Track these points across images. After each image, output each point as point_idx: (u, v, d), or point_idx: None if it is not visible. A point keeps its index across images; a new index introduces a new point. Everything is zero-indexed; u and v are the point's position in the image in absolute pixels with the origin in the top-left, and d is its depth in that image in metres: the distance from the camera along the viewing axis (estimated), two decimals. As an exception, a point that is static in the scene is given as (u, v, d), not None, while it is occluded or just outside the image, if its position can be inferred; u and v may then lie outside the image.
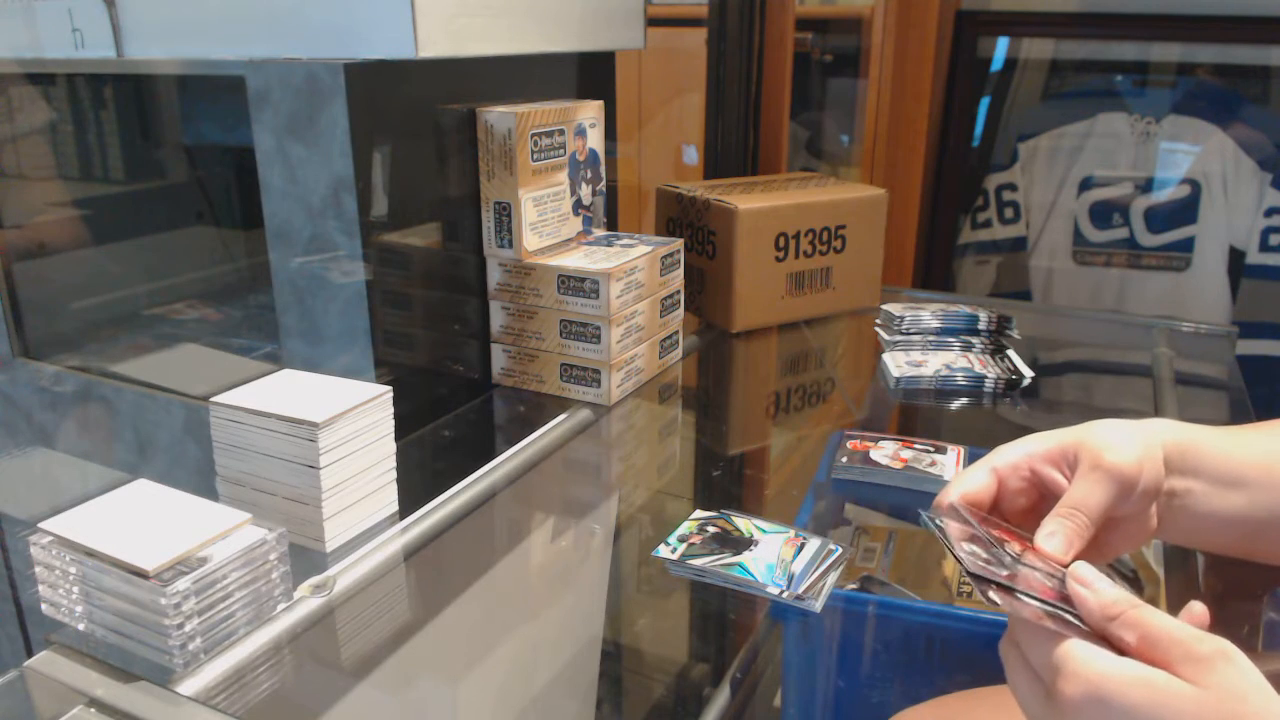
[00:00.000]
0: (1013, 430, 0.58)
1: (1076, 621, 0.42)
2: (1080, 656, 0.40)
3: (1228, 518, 0.57)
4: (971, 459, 0.85)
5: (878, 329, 1.16)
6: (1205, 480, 0.57)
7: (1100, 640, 0.41)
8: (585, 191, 1.06)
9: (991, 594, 0.43)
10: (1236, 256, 1.71)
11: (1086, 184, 1.79)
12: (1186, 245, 1.73)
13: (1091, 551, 0.52)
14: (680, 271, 1.08)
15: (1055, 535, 0.49)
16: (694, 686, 0.79)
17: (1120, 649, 0.41)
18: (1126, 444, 0.53)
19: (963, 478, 0.54)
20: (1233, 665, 0.38)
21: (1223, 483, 0.57)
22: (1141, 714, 0.38)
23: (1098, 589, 0.42)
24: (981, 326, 1.12)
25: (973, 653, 0.64)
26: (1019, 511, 0.55)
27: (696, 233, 1.21)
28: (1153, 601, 0.76)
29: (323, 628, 0.65)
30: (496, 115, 0.95)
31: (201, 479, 0.74)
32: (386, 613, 0.70)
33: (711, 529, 0.73)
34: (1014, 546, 0.49)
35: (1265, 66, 1.67)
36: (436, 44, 0.84)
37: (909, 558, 0.84)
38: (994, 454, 0.55)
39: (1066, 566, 0.47)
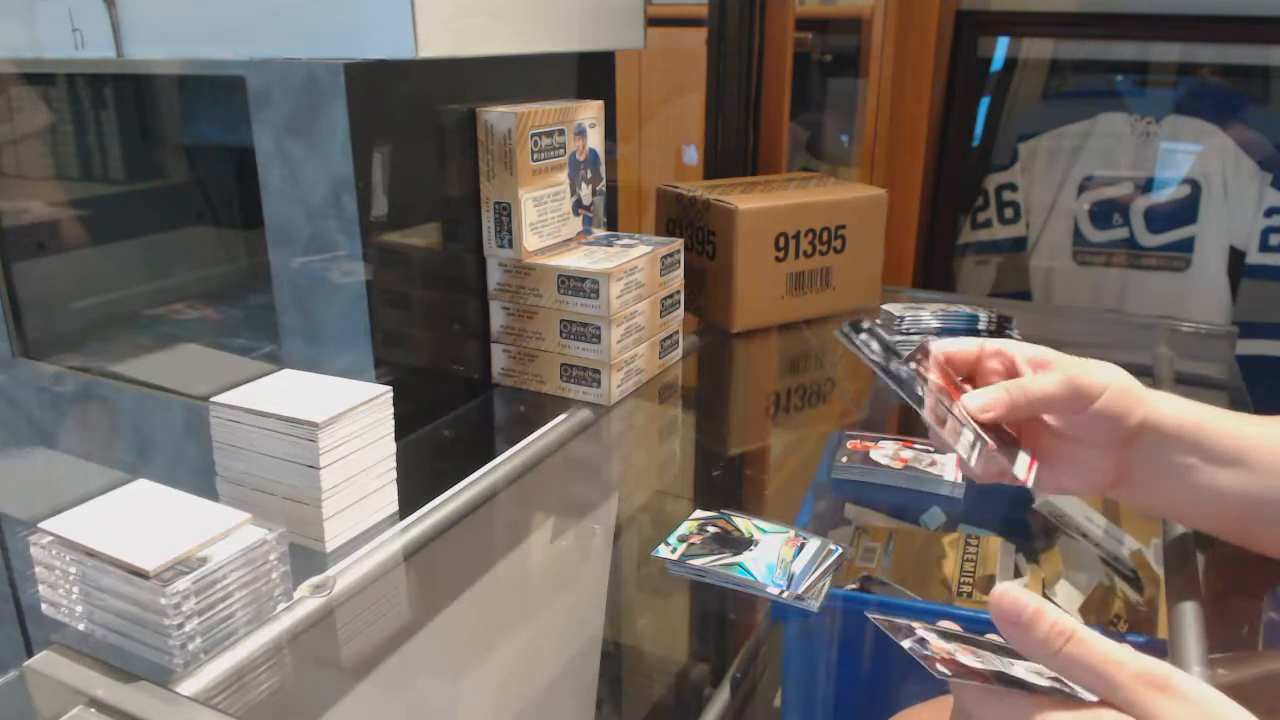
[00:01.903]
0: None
1: (1009, 665, 0.40)
2: (1032, 709, 0.38)
3: (1225, 493, 0.58)
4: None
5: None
6: (1205, 455, 0.58)
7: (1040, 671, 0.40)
8: (585, 191, 1.06)
9: (940, 666, 0.41)
10: (1236, 256, 1.71)
11: (1086, 184, 1.79)
12: (1186, 245, 1.73)
13: (1045, 472, 0.60)
14: (680, 271, 1.08)
15: (980, 395, 0.59)
16: (694, 686, 0.79)
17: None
18: (1105, 373, 0.59)
19: (954, 341, 0.64)
20: (1180, 690, 0.36)
21: (1224, 459, 0.58)
22: None
23: (1027, 623, 0.39)
24: (981, 326, 1.12)
25: (973, 653, 0.64)
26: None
27: (696, 233, 1.21)
28: (1151, 602, 0.76)
29: (323, 628, 0.65)
30: (496, 115, 0.95)
31: (201, 479, 0.74)
32: (386, 613, 0.70)
33: (711, 529, 0.73)
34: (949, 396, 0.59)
35: (1265, 66, 1.67)
36: (436, 44, 0.84)
37: (909, 558, 0.84)
38: (993, 340, 0.64)
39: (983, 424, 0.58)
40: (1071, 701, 0.38)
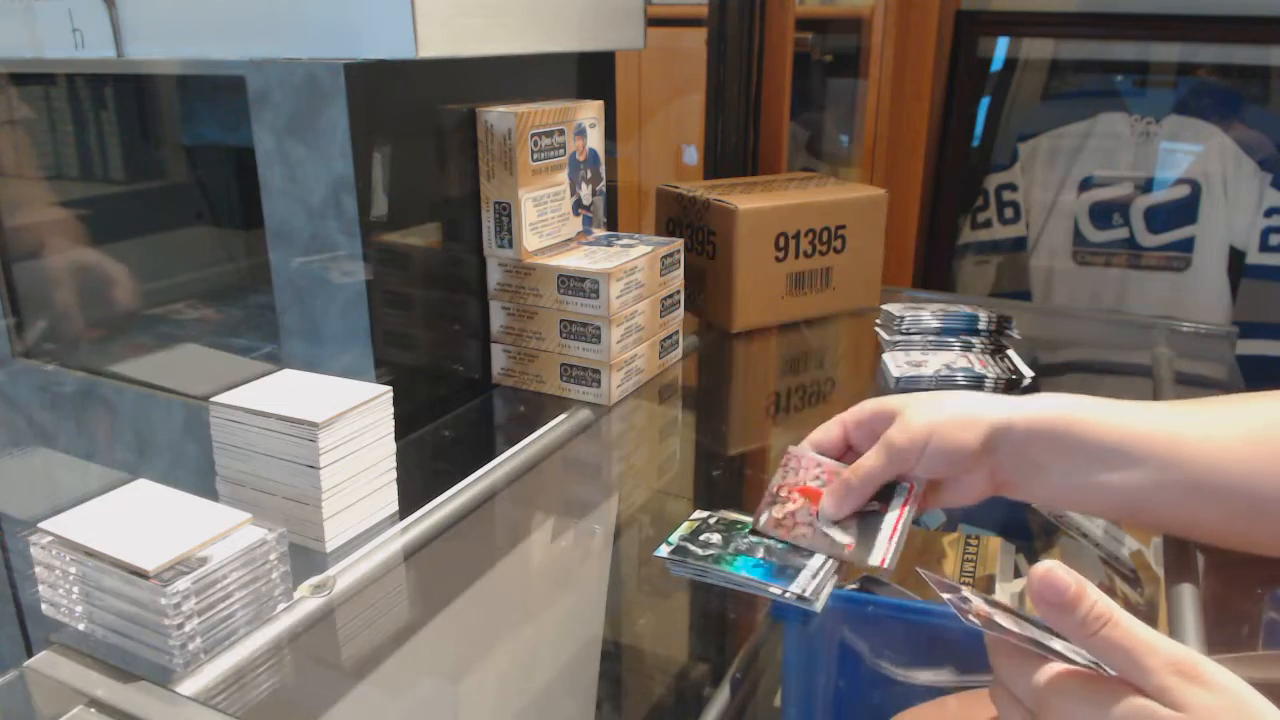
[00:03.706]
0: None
1: (1046, 638, 0.41)
2: (1061, 676, 0.40)
3: (1108, 486, 0.59)
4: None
5: (878, 329, 1.16)
6: (1078, 451, 0.59)
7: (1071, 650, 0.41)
8: (585, 191, 1.06)
9: (974, 618, 0.43)
10: (1236, 256, 1.71)
11: (1086, 184, 1.79)
12: (1186, 245, 1.73)
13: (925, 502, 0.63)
14: (680, 271, 1.08)
15: (830, 495, 0.63)
16: (694, 686, 0.79)
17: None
18: (920, 418, 0.61)
19: (819, 430, 0.67)
20: (1210, 681, 0.37)
21: (1100, 453, 0.59)
22: None
23: (1068, 603, 0.40)
24: (981, 326, 1.12)
25: (973, 653, 0.64)
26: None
27: (696, 233, 1.21)
28: (1151, 602, 0.76)
29: (323, 628, 0.65)
30: (496, 115, 0.95)
31: (201, 479, 0.74)
32: (386, 613, 0.70)
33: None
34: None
35: (1265, 66, 1.67)
36: (436, 44, 0.84)
37: (909, 558, 0.84)
38: (850, 410, 0.67)
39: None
40: (1094, 675, 0.39)
